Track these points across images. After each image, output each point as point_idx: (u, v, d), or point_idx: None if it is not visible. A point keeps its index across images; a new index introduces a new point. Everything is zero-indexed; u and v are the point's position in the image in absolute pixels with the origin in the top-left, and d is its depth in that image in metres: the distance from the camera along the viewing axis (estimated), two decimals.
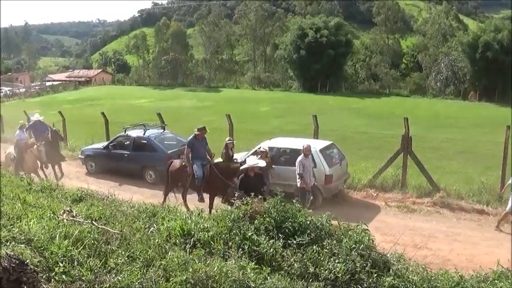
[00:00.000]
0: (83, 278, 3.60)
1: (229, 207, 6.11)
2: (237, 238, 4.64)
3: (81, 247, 4.03)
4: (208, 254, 4.36)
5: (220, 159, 11.69)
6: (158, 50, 74.03)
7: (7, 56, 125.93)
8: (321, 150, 11.53)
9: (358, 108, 36.65)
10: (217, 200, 10.42)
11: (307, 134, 14.19)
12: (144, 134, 14.55)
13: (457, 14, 73.83)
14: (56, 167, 13.42)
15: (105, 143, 15.36)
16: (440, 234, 9.81)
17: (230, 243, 4.57)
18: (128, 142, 14.71)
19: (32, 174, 11.60)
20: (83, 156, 15.41)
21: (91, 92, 56.61)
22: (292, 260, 4.48)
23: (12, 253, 3.43)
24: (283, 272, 4.32)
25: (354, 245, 4.71)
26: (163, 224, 4.96)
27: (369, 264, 4.54)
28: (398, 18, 69.87)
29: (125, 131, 15.06)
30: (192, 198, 10.76)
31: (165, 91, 55.85)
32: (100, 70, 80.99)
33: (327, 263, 4.45)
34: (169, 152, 13.91)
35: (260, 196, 5.62)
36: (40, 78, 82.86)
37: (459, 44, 49.17)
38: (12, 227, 4.24)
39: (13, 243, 3.84)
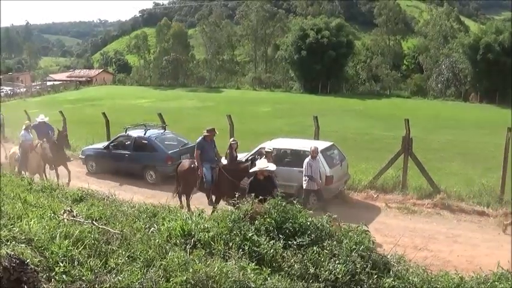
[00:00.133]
0: (83, 278, 3.61)
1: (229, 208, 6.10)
2: (237, 239, 4.64)
3: (82, 247, 4.04)
4: (208, 255, 4.36)
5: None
6: (159, 50, 74.11)
7: (8, 55, 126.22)
8: (322, 151, 11.51)
9: (359, 110, 36.62)
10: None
11: (307, 134, 14.18)
12: (144, 134, 14.56)
13: (458, 15, 73.90)
14: (63, 168, 13.27)
15: (106, 143, 15.35)
16: (441, 236, 9.81)
17: (230, 244, 4.57)
18: (128, 142, 14.72)
19: (36, 176, 11.53)
20: (83, 156, 15.40)
21: (92, 92, 56.63)
22: (292, 260, 4.48)
23: (13, 253, 3.44)
24: (283, 272, 4.32)
25: (354, 246, 4.72)
26: (163, 224, 4.96)
27: (369, 265, 4.54)
28: (399, 20, 69.77)
29: (126, 131, 15.06)
30: (195, 198, 10.78)
31: (165, 91, 55.83)
32: (101, 70, 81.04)
33: (327, 264, 4.45)
34: (169, 152, 13.94)
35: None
36: (41, 78, 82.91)
37: (460, 45, 49.17)
38: (12, 227, 4.25)
39: (13, 242, 3.85)
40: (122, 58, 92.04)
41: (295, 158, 11.77)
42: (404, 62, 69.84)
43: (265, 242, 4.62)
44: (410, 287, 4.41)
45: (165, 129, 15.25)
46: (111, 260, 3.96)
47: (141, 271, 3.82)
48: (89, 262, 3.80)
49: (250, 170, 8.91)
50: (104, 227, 4.64)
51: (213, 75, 68.90)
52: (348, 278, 4.33)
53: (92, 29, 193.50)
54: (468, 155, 16.94)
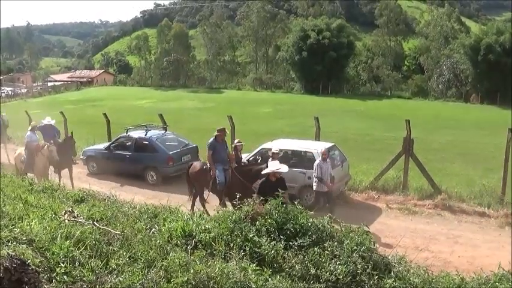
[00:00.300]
0: (84, 279, 3.61)
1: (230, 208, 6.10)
2: (238, 239, 4.63)
3: (83, 248, 4.04)
4: (209, 255, 4.36)
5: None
6: (160, 51, 74.22)
7: (9, 56, 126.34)
8: None
9: (360, 110, 36.61)
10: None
11: (308, 135, 14.18)
12: (145, 135, 14.58)
13: (459, 16, 73.95)
14: (67, 171, 13.21)
15: (107, 144, 15.36)
16: (442, 237, 9.81)
17: (231, 245, 4.56)
18: (129, 143, 14.73)
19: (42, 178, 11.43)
20: (84, 157, 15.40)
21: (93, 92, 56.66)
22: (293, 261, 4.47)
23: (14, 253, 3.44)
24: (284, 273, 4.31)
25: (355, 247, 4.71)
26: (164, 225, 4.96)
27: (370, 266, 4.54)
28: (400, 20, 69.80)
29: (127, 132, 15.08)
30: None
31: (166, 92, 55.84)
32: (102, 71, 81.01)
33: (328, 264, 4.44)
34: (170, 153, 13.94)
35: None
36: (42, 79, 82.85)
37: (461, 46, 49.14)
38: (13, 227, 4.26)
39: (14, 243, 3.86)
40: (123, 59, 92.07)
41: (296, 158, 11.78)
42: (405, 62, 69.87)
43: (266, 243, 4.61)
44: (411, 287, 4.41)
45: (166, 130, 15.26)
46: (112, 260, 3.96)
47: (142, 272, 3.82)
48: (90, 263, 3.81)
49: (263, 172, 8.89)
50: (105, 227, 4.65)
51: (214, 76, 68.95)
52: (349, 278, 4.32)
53: (93, 30, 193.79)
54: (469, 155, 16.93)
